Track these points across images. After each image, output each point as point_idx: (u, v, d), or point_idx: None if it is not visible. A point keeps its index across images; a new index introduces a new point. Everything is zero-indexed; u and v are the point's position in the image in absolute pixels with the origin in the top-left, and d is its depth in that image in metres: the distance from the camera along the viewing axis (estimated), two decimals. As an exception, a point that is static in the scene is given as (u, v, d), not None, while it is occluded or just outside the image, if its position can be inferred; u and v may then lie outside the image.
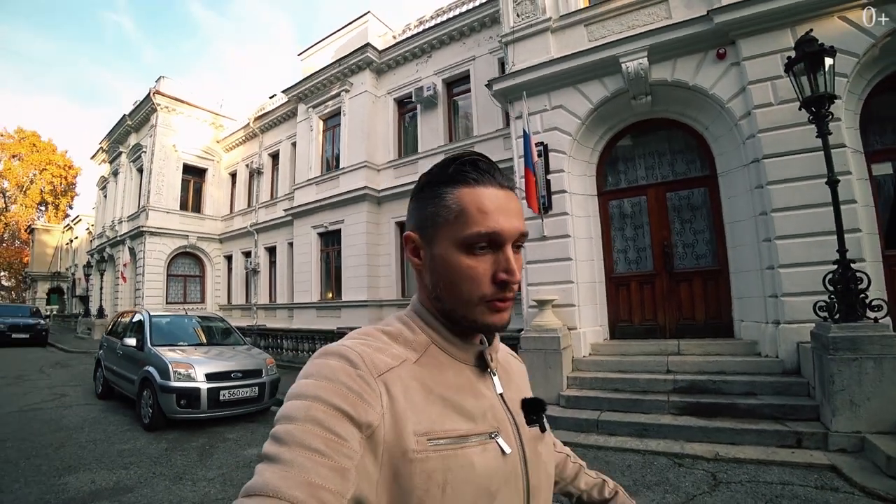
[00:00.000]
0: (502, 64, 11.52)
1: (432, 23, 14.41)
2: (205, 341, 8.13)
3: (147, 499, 4.13)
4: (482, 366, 0.79)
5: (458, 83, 13.65)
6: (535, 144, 7.54)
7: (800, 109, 5.25)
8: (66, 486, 4.36)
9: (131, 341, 7.42)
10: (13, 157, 40.46)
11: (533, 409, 0.82)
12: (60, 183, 42.46)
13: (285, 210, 16.74)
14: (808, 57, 5.02)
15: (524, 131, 7.13)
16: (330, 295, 15.46)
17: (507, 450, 0.72)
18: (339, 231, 14.96)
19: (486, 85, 8.68)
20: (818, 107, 5.03)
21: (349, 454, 0.60)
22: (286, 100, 17.51)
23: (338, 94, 15.55)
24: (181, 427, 6.52)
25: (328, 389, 0.63)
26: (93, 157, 25.20)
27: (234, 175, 20.49)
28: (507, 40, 8.38)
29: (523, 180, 7.33)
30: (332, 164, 15.83)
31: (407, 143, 14.73)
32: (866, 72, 6.07)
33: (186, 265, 19.84)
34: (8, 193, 41.34)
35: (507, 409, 0.78)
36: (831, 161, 5.03)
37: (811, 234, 5.70)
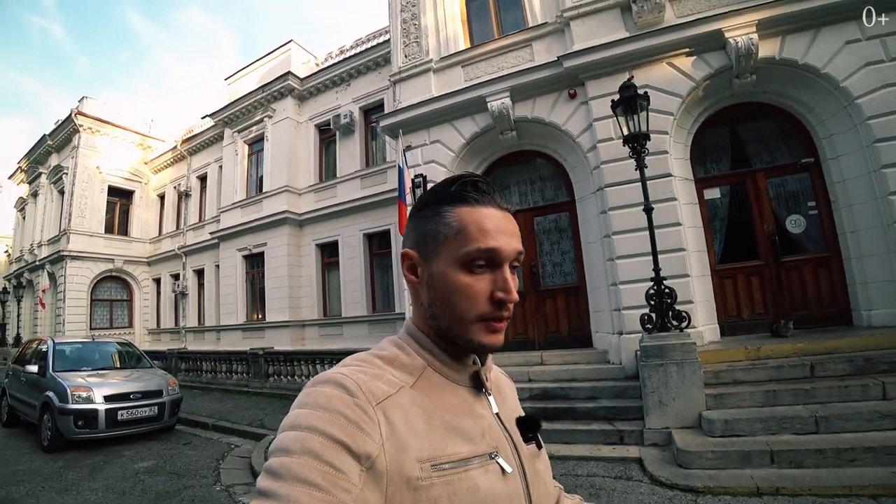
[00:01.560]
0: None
1: (351, 52, 15.01)
2: (112, 366, 8.42)
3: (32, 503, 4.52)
4: (477, 386, 0.78)
5: (374, 110, 14.24)
6: (416, 176, 8.20)
7: (624, 145, 6.05)
8: (-45, 506, 4.63)
9: (33, 368, 7.67)
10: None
11: (528, 427, 0.81)
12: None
13: (211, 233, 16.82)
14: (625, 101, 5.87)
15: (399, 167, 7.75)
16: (256, 316, 15.59)
17: (508, 469, 0.71)
18: (262, 253, 15.20)
19: (375, 120, 9.28)
20: (634, 143, 5.86)
21: (347, 488, 0.58)
22: (213, 123, 17.64)
23: (261, 120, 15.88)
24: (80, 447, 6.78)
25: (324, 419, 0.61)
26: (10, 176, 24.28)
27: (162, 197, 20.31)
28: (395, 79, 9.07)
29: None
30: (257, 188, 16.08)
31: (328, 167, 15.17)
32: (693, 109, 7.05)
33: (113, 289, 19.42)
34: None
35: (503, 428, 0.77)
36: (647, 190, 5.86)
37: (639, 254, 6.52)
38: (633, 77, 6.11)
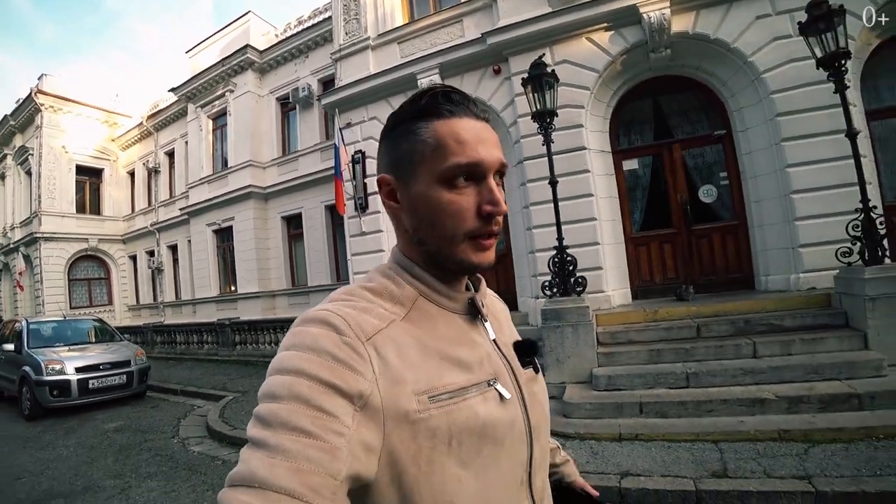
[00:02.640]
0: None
1: (309, 23, 14.79)
2: (84, 341, 9.18)
3: (12, 458, 5.52)
4: (473, 313, 0.76)
5: (332, 83, 14.18)
6: (355, 152, 8.39)
7: (532, 121, 6.28)
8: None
9: (9, 346, 8.46)
10: None
11: (526, 351, 0.80)
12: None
13: (181, 209, 16.92)
14: (534, 79, 6.08)
15: (335, 145, 7.93)
16: (229, 288, 15.90)
17: (507, 395, 0.70)
18: (231, 228, 15.39)
19: (317, 98, 9.35)
20: (542, 119, 6.11)
21: (340, 430, 0.56)
22: (176, 98, 17.43)
23: (223, 94, 15.75)
24: (58, 414, 7.57)
25: (312, 361, 0.58)
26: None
27: (132, 174, 20.22)
28: (335, 57, 9.14)
29: (349, 184, 8.16)
30: (222, 163, 16.09)
31: (290, 140, 15.19)
32: (612, 83, 7.26)
33: (89, 268, 19.58)
34: None
35: (501, 354, 0.76)
36: (552, 164, 6.07)
37: (550, 224, 6.71)
38: (543, 56, 6.30)
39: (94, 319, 10.48)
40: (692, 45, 6.77)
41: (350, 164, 8.52)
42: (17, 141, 19.71)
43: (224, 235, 15.86)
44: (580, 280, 5.91)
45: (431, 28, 8.25)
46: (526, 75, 6.14)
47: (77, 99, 19.09)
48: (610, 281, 6.86)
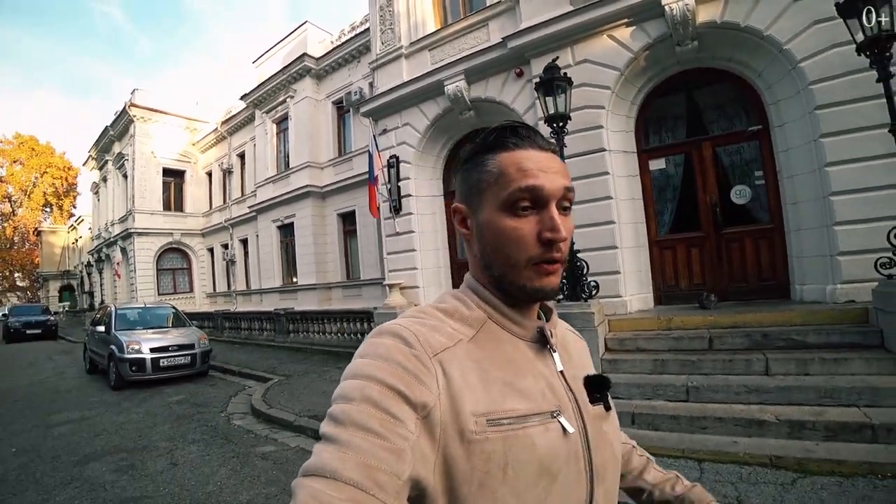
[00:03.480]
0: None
1: (360, 29, 15.18)
2: (159, 325, 10.35)
3: (97, 420, 6.56)
4: (541, 342, 0.75)
5: (381, 86, 14.56)
6: (390, 157, 8.61)
7: (545, 124, 6.16)
8: (50, 419, 6.70)
9: (101, 328, 9.83)
10: (14, 162, 40.75)
11: (596, 387, 0.77)
12: (62, 184, 42.95)
13: (250, 207, 18.06)
14: (545, 83, 5.97)
15: (369, 153, 8.16)
16: (291, 280, 16.84)
17: (570, 429, 0.69)
18: (292, 224, 16.26)
19: (356, 107, 9.65)
20: (554, 123, 6.01)
21: (405, 435, 0.58)
22: (245, 105, 18.54)
23: (284, 101, 16.60)
24: (136, 386, 8.70)
25: (383, 369, 0.61)
26: (84, 163, 26.86)
27: (210, 174, 21.81)
28: (373, 66, 9.37)
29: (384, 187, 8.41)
30: (285, 164, 16.98)
31: (345, 141, 15.74)
32: (636, 80, 6.91)
33: (174, 259, 21.45)
34: (14, 198, 42.08)
35: (567, 387, 0.74)
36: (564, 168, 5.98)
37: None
38: (557, 59, 6.16)
39: (168, 306, 11.65)
40: (721, 35, 6.27)
41: (385, 169, 8.75)
42: (116, 148, 21.93)
43: (286, 231, 16.79)
44: (592, 285, 5.77)
45: (459, 34, 8.23)
46: (535, 80, 6.03)
47: (163, 109, 20.87)
48: (628, 285, 6.59)
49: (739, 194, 6.64)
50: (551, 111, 5.85)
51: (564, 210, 0.71)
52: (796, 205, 6.08)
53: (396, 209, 8.56)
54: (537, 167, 0.69)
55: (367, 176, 14.26)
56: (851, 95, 5.43)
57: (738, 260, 6.58)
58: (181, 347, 9.23)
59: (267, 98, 17.27)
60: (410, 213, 8.58)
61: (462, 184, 0.75)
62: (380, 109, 9.03)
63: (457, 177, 0.78)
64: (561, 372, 0.75)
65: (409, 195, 8.61)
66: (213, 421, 6.32)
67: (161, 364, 8.83)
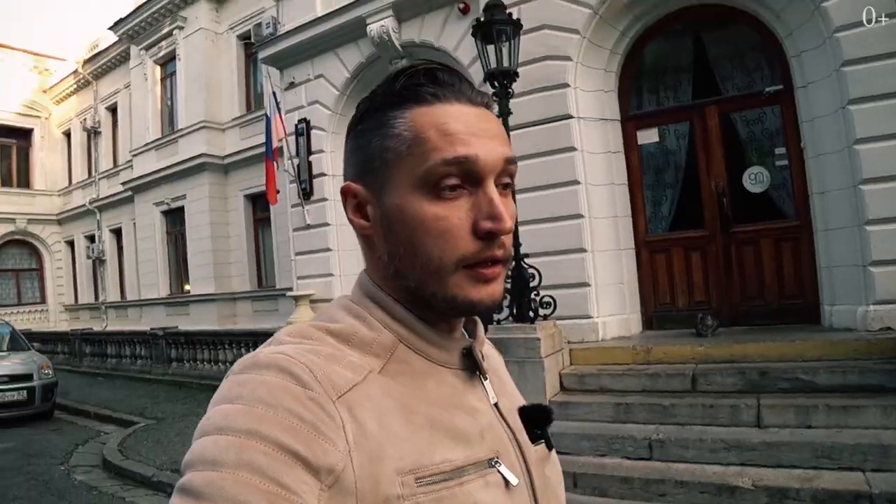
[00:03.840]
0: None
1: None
2: None
3: None
4: (470, 368, 0.76)
5: (305, 15, 14.71)
6: (299, 121, 8.84)
7: (484, 82, 6.40)
8: None
9: None
10: None
11: (536, 420, 0.81)
12: None
13: (123, 183, 18.13)
14: (483, 28, 6.23)
15: (266, 115, 8.38)
16: (185, 288, 16.96)
17: (514, 480, 0.71)
18: (183, 208, 16.37)
19: (253, 51, 9.83)
20: (496, 82, 6.28)
21: None
22: (117, 38, 18.50)
23: (170, 33, 16.64)
24: None
25: (268, 419, 0.57)
26: None
27: (68, 135, 21.83)
28: (278, -8, 9.55)
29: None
30: (171, 124, 17.03)
31: (256, 93, 15.81)
32: (618, 21, 7.17)
33: (18, 256, 21.44)
34: None
35: (505, 424, 0.76)
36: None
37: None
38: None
39: (2, 323, 11.85)
40: None
41: (293, 138, 8.97)
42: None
43: (175, 218, 16.92)
44: (544, 302, 6.09)
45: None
46: (476, 20, 6.30)
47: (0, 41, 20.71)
48: (601, 303, 6.88)
49: (755, 179, 6.98)
50: (492, 65, 6.11)
51: (505, 188, 0.71)
52: (823, 195, 6.39)
53: (306, 193, 8.78)
54: (468, 130, 0.68)
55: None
56: (890, 48, 5.68)
57: (752, 269, 6.92)
58: (14, 379, 9.41)
59: (147, 29, 17.31)
60: (325, 199, 8.80)
61: (356, 154, 0.74)
62: (285, 55, 9.21)
63: (347, 144, 0.77)
64: (495, 404, 0.77)
65: (324, 174, 8.82)
66: (46, 475, 6.58)
67: (-17, 401, 8.97)
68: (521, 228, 6.18)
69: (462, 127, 0.67)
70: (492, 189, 0.68)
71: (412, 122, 0.68)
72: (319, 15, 8.91)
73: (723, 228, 7.02)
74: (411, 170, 0.67)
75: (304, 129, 8.90)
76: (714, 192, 7.07)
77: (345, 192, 0.75)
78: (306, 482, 0.56)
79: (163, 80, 17.46)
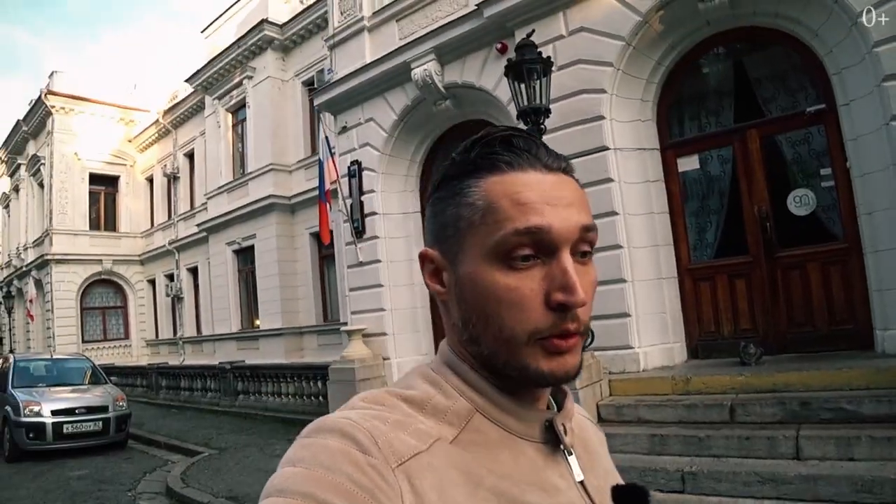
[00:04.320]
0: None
1: (337, -16, 16.09)
2: (68, 382, 11.36)
3: None
4: (552, 441, 0.73)
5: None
6: (351, 163, 9.27)
7: (517, 120, 6.66)
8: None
9: None
10: None
11: (630, 501, 0.76)
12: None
13: (198, 225, 19.14)
14: (515, 67, 6.45)
15: (319, 160, 8.82)
16: (255, 323, 17.68)
17: None
18: (252, 247, 17.15)
19: (309, 99, 10.38)
20: (529, 118, 6.49)
21: None
22: (193, 89, 19.73)
23: (240, 83, 17.65)
24: (35, 457, 9.51)
25: (325, 483, 0.58)
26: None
27: (150, 180, 23.28)
28: (330, 43, 10.17)
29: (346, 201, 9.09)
30: (243, 167, 17.94)
31: (321, 135, 16.51)
32: (652, 51, 7.27)
33: (104, 295, 22.85)
34: None
35: (591, 503, 0.73)
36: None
37: None
38: (533, 32, 6.62)
39: (80, 358, 12.86)
40: None
41: (346, 179, 9.40)
42: (30, 149, 23.65)
43: (246, 257, 17.73)
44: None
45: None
46: (509, 59, 6.50)
47: (90, 96, 22.45)
48: (643, 333, 6.83)
49: (800, 202, 6.85)
50: (524, 103, 6.32)
51: (583, 257, 0.69)
52: (871, 215, 6.22)
53: (359, 232, 9.15)
54: (542, 198, 0.67)
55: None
56: None
57: (799, 294, 6.76)
58: (91, 410, 10.07)
59: (219, 79, 18.40)
60: (376, 237, 9.13)
61: (433, 221, 0.74)
62: (338, 101, 9.68)
63: (426, 211, 0.77)
64: (581, 482, 0.74)
65: (375, 213, 9.17)
66: (114, 500, 7.08)
67: (65, 431, 9.66)
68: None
69: (535, 196, 0.66)
70: (566, 259, 0.66)
71: (485, 192, 0.68)
72: (368, 62, 9.35)
73: (767, 254, 6.89)
74: (484, 239, 0.67)
75: (355, 171, 9.30)
76: (757, 216, 6.98)
77: (422, 258, 0.75)
78: None
79: (234, 126, 18.44)
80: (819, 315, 6.71)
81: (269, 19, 16.62)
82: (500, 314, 0.66)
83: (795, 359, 6.43)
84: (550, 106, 6.91)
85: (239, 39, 17.19)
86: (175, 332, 21.66)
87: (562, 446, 0.73)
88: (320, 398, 10.54)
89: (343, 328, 9.41)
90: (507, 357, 0.67)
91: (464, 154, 0.72)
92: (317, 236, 16.12)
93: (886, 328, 6.10)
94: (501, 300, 0.66)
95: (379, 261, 9.13)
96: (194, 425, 12.13)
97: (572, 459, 0.74)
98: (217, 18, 19.27)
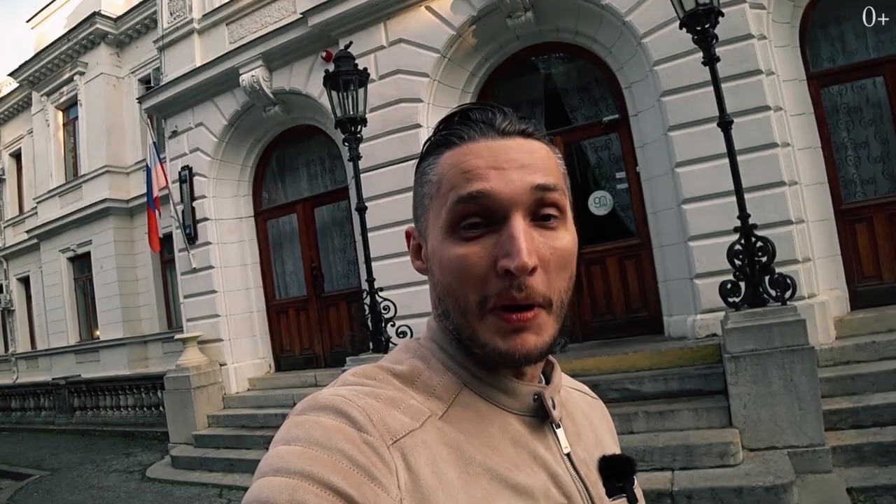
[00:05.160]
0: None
1: (175, -22, 15.59)
2: None
3: None
4: (540, 415, 0.74)
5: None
6: (182, 168, 9.16)
7: (336, 128, 7.00)
8: None
9: None
10: None
11: (616, 473, 0.78)
12: None
13: (27, 231, 17.87)
14: (332, 78, 6.72)
15: (147, 167, 8.66)
16: (95, 334, 16.76)
17: None
18: (89, 254, 16.23)
19: (137, 100, 10.13)
20: (346, 126, 6.78)
21: None
22: (17, 84, 18.37)
23: (71, 79, 16.57)
24: None
25: (321, 462, 0.57)
26: None
27: (-27, 184, 21.29)
28: (159, 45, 9.92)
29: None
30: (74, 169, 16.93)
31: (161, 135, 15.93)
32: (467, 62, 7.78)
33: (-77, 309, 20.67)
34: None
35: (577, 476, 0.73)
36: (361, 189, 6.95)
37: None
38: (351, 44, 6.92)
39: None
40: (558, 2, 7.18)
41: (177, 185, 9.28)
42: None
43: (83, 264, 16.69)
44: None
45: (261, 3, 8.88)
46: (327, 70, 6.78)
47: None
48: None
49: (599, 203, 7.61)
50: (338, 114, 6.59)
51: (546, 220, 0.68)
52: (657, 214, 7.04)
53: (191, 238, 9.06)
54: (487, 164, 0.66)
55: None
56: (697, 79, 6.22)
57: (600, 287, 7.47)
58: None
59: (48, 74, 17.17)
60: (209, 243, 9.07)
61: (413, 202, 0.77)
62: (168, 104, 9.50)
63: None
64: (568, 454, 0.74)
65: (207, 219, 9.11)
66: None
67: None
68: (375, 264, 6.69)
69: (481, 162, 0.66)
70: (515, 224, 0.64)
71: (440, 167, 0.69)
72: (198, 65, 9.25)
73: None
74: (438, 212, 0.68)
75: (186, 177, 9.18)
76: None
77: (407, 237, 0.79)
78: None
79: (65, 125, 17.28)
80: (618, 304, 7.47)
81: (102, 12, 15.68)
82: (454, 285, 0.67)
83: (597, 345, 7.11)
84: (372, 113, 7.26)
85: (69, 32, 16.12)
86: (6, 349, 20.06)
87: (549, 420, 0.74)
88: (161, 408, 10.33)
89: (178, 336, 9.30)
90: (470, 332, 0.68)
91: (432, 135, 0.74)
92: (160, 241, 15.64)
93: (672, 314, 6.93)
94: (454, 270, 0.66)
95: (212, 266, 9.08)
96: (27, 447, 11.57)
97: (560, 432, 0.75)
98: (45, 7, 17.98)
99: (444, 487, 0.60)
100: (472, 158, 0.66)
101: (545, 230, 0.67)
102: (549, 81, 8.09)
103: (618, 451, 0.83)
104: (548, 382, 0.78)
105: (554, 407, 0.74)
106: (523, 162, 0.67)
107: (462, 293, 0.66)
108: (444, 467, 0.62)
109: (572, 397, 0.87)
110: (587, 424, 0.84)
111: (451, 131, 0.70)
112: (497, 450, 0.67)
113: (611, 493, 0.75)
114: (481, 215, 0.65)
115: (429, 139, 0.74)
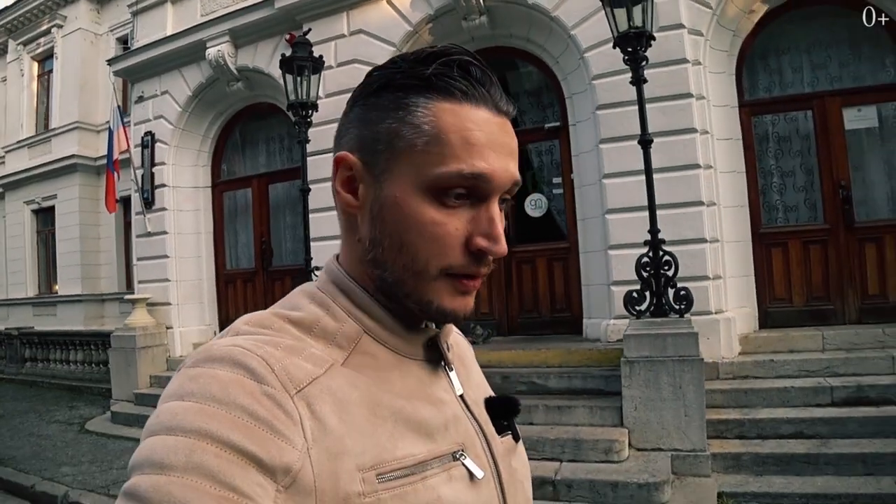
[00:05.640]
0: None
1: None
2: None
3: None
4: (435, 359, 0.76)
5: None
6: (144, 134, 9.46)
7: (287, 111, 7.36)
8: None
9: None
10: None
11: (503, 411, 0.81)
12: None
13: (-8, 181, 17.89)
14: (287, 63, 7.08)
15: (109, 129, 8.94)
16: (54, 289, 16.93)
17: (479, 473, 0.70)
18: (53, 208, 16.38)
19: (108, 62, 10.38)
20: (297, 110, 7.14)
21: None
22: (-7, 31, 18.30)
23: (49, 31, 16.60)
24: None
25: (220, 418, 0.55)
26: None
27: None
28: (133, 9, 10.12)
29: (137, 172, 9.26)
30: (46, 122, 17.02)
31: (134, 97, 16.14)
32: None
33: None
34: None
35: (471, 415, 0.76)
36: (306, 173, 7.28)
37: None
38: (309, 31, 7.23)
39: None
40: (511, 10, 7.51)
41: (139, 149, 9.58)
42: None
43: (46, 218, 16.84)
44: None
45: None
46: (284, 54, 7.13)
47: None
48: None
49: (534, 205, 8.04)
50: (291, 97, 6.92)
51: (503, 204, 0.71)
52: (585, 221, 7.43)
53: (148, 203, 9.39)
54: (489, 142, 0.66)
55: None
56: (630, 97, 6.37)
57: (529, 285, 7.89)
58: None
59: (25, 23, 17.17)
60: (164, 209, 9.36)
61: (363, 127, 0.70)
62: (137, 69, 9.73)
63: (351, 112, 0.73)
64: (461, 396, 0.76)
65: (165, 185, 9.40)
66: None
67: None
68: (317, 244, 7.09)
69: (484, 138, 0.65)
70: (494, 208, 0.68)
71: (434, 118, 0.65)
72: (168, 34, 9.51)
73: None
74: (422, 168, 0.65)
75: (148, 142, 9.45)
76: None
77: (338, 162, 0.70)
78: (261, 484, 0.54)
79: (40, 77, 17.32)
80: (544, 303, 7.85)
81: (83, -38, 15.83)
82: (417, 246, 0.66)
83: (518, 340, 7.50)
84: (327, 99, 7.60)
85: (48, -20, 16.22)
86: (-37, 296, 20.11)
87: (444, 363, 0.76)
88: (103, 365, 10.66)
89: (127, 296, 9.61)
90: (413, 289, 0.68)
91: (415, 65, 0.67)
92: (123, 200, 15.80)
93: (590, 317, 7.33)
94: (423, 233, 0.65)
95: (166, 232, 9.36)
96: (-30, 397, 11.73)
97: (453, 375, 0.77)
98: (26, -46, 17.90)
99: (351, 432, 0.60)
100: (475, 130, 0.65)
101: (501, 212, 0.71)
102: (502, 84, 8.40)
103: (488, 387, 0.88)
104: (438, 327, 0.77)
105: (448, 350, 0.77)
106: (511, 148, 0.69)
107: (423, 256, 0.66)
108: (351, 413, 0.62)
109: (458, 340, 0.89)
110: (472, 367, 0.88)
111: (452, 79, 0.66)
112: (399, 394, 0.68)
113: (499, 431, 0.78)
114: (468, 189, 0.66)
115: (407, 65, 0.68)
